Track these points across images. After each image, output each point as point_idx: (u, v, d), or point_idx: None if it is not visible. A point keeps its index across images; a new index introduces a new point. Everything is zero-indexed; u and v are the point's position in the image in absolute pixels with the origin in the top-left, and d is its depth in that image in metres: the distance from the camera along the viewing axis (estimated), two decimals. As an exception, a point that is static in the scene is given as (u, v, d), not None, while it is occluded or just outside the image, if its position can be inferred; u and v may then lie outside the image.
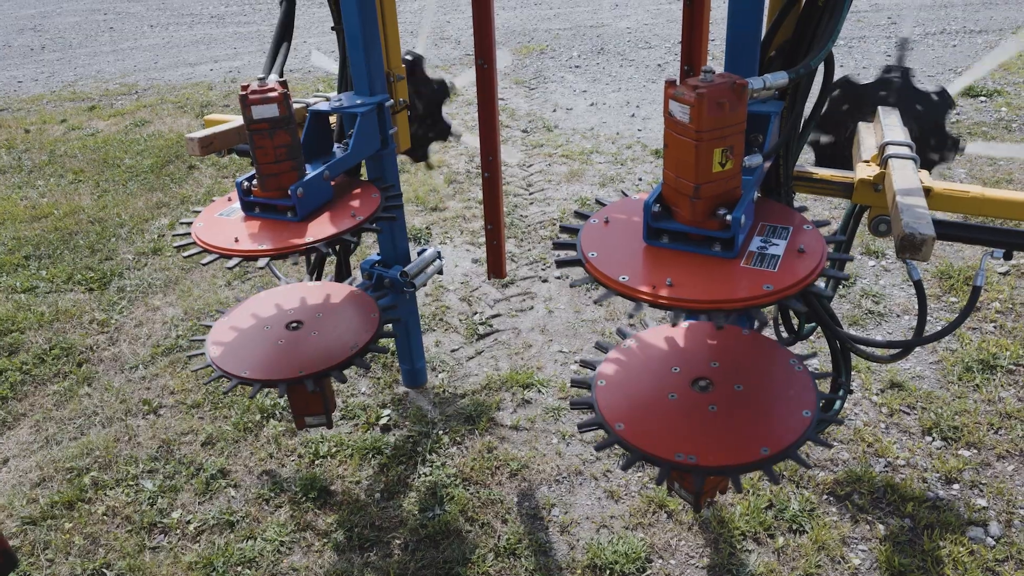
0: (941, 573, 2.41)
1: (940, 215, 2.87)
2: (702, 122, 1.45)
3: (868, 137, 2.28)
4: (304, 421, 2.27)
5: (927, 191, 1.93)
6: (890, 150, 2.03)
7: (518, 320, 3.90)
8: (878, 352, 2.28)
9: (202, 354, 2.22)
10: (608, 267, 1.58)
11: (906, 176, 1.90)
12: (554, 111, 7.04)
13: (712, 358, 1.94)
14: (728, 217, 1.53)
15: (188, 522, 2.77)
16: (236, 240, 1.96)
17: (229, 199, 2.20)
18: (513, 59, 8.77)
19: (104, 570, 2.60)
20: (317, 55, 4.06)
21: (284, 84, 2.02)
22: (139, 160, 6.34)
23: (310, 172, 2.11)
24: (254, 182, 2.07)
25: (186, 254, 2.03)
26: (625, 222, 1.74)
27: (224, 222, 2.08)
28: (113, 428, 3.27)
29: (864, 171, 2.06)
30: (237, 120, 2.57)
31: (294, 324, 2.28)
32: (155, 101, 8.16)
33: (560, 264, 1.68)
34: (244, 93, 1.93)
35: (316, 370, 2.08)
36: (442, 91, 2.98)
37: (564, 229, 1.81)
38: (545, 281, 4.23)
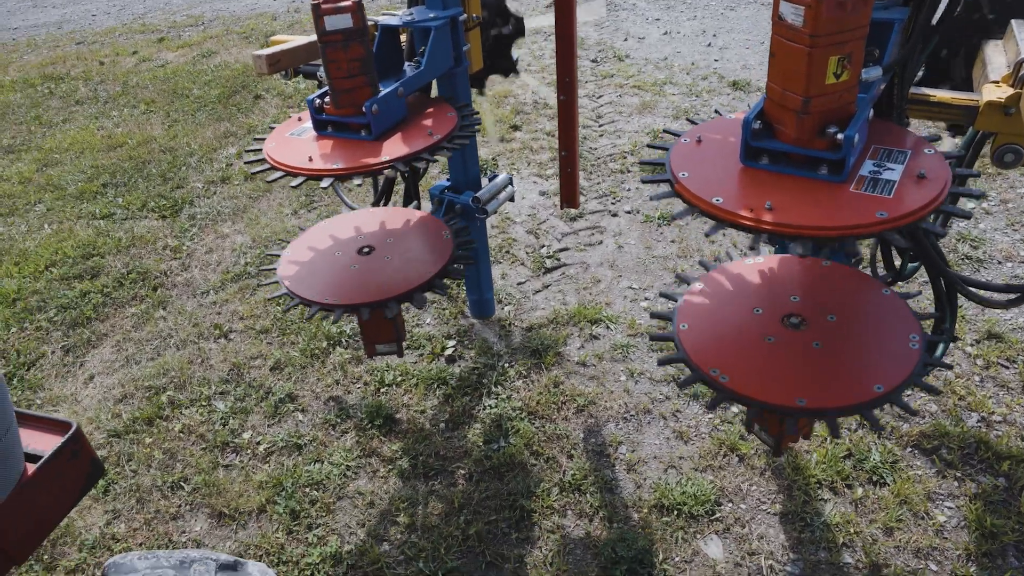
0: (1037, 533, 2.26)
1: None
2: (819, 25, 1.29)
3: (997, 55, 2.04)
4: (375, 348, 2.23)
5: None
6: None
7: (586, 254, 3.79)
8: (993, 296, 2.08)
9: (272, 276, 2.19)
10: (700, 188, 1.45)
11: None
12: (625, 40, 6.72)
13: (790, 292, 1.80)
14: (839, 136, 1.37)
15: (258, 443, 2.83)
16: (310, 159, 1.89)
17: (300, 119, 2.13)
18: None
19: (182, 483, 2.69)
20: None
21: None
22: (207, 91, 6.38)
23: (383, 89, 2.02)
24: (326, 99, 1.99)
25: (255, 171, 1.98)
26: (720, 142, 1.59)
27: (296, 141, 2.01)
28: (187, 350, 3.36)
29: (993, 92, 1.84)
30: (303, 38, 2.50)
31: (366, 249, 2.23)
32: (221, 32, 8.17)
33: (646, 181, 1.56)
34: (317, 3, 1.83)
35: (392, 295, 2.00)
36: (518, 29, 2.83)
37: (653, 147, 1.68)
38: (615, 215, 4.09)
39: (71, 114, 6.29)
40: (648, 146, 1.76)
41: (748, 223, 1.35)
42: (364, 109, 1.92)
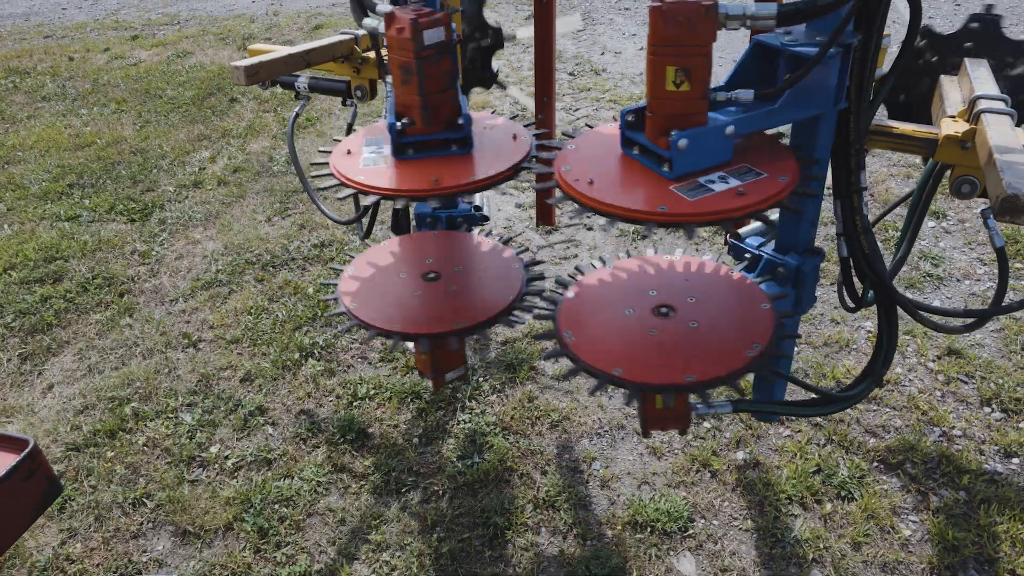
0: (997, 550, 2.31)
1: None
2: (656, 35, 1.46)
3: (953, 91, 2.11)
4: (444, 379, 2.12)
5: None
6: (983, 104, 1.89)
7: (562, 268, 3.80)
8: (949, 323, 2.12)
9: (346, 315, 2.01)
10: (566, 161, 1.63)
11: (1004, 132, 1.76)
12: (602, 54, 6.78)
13: (691, 293, 1.93)
14: (671, 139, 1.51)
15: (226, 457, 2.78)
16: (437, 180, 1.79)
17: (349, 152, 1.95)
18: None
19: (145, 500, 2.63)
20: None
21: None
22: (181, 91, 6.28)
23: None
24: (404, 120, 1.87)
25: (398, 205, 1.89)
26: None
27: (385, 171, 1.87)
28: (153, 360, 3.28)
29: (951, 127, 1.90)
30: (282, 50, 2.47)
31: (431, 275, 2.12)
32: (197, 32, 8.06)
33: (540, 148, 1.75)
34: (414, 17, 1.74)
35: (487, 316, 1.92)
36: (496, 40, 2.82)
37: (588, 127, 1.84)
38: (590, 229, 4.11)
39: (37, 110, 6.14)
40: (587, 126, 1.86)
41: (567, 190, 1.55)
42: (461, 121, 1.87)
